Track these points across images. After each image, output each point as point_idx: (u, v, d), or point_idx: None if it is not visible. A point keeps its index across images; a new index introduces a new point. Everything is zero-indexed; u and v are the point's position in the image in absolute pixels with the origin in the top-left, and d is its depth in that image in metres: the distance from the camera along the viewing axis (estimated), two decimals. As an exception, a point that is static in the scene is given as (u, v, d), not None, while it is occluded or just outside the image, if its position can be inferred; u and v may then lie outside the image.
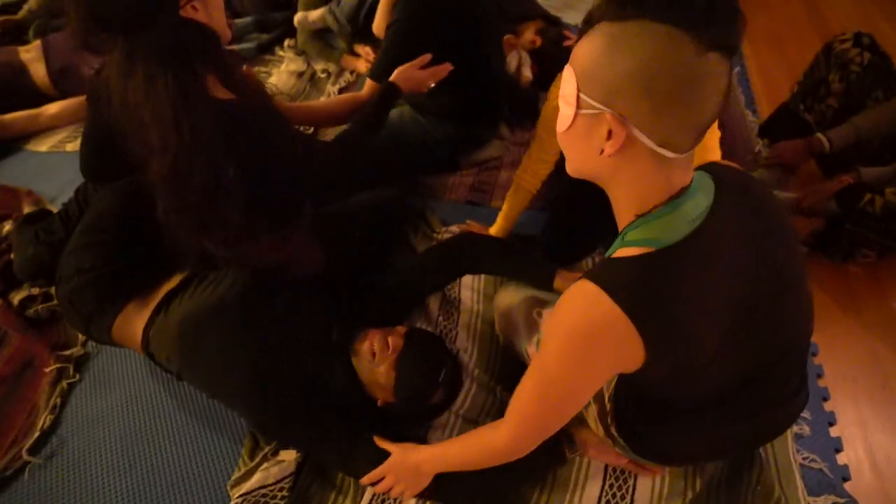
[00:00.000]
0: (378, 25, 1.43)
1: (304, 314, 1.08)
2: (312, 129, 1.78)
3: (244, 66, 1.05)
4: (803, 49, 1.54)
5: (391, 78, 1.26)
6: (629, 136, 0.58)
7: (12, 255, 1.39)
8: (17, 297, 1.35)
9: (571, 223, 1.35)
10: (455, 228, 1.49)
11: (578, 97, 0.61)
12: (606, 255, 0.67)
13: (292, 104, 1.61)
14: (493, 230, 1.38)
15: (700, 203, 0.63)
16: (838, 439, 1.10)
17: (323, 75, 2.11)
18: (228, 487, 1.06)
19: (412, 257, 1.41)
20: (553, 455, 1.02)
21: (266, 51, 2.25)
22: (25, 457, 1.10)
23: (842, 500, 1.02)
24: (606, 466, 1.04)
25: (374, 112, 1.24)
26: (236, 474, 1.07)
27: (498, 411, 1.13)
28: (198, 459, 1.10)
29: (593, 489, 1.02)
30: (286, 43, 2.26)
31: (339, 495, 1.05)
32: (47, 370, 1.24)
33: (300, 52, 2.19)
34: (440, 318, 1.29)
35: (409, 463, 0.93)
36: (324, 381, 1.02)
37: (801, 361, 0.82)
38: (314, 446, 1.03)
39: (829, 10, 2.31)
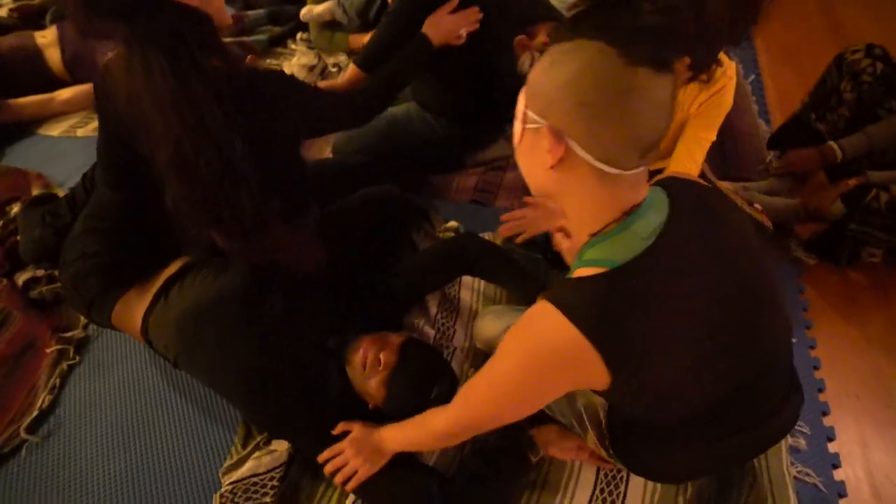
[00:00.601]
0: None
1: (304, 314, 1.07)
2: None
3: (249, 57, 1.04)
4: (820, 62, 1.53)
5: (422, 29, 1.21)
6: (568, 149, 0.60)
7: (19, 237, 1.40)
8: (21, 279, 1.36)
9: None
10: (453, 224, 1.49)
11: (525, 112, 0.64)
12: (567, 274, 0.68)
13: None
14: None
15: (652, 221, 0.63)
16: (836, 455, 1.08)
17: (334, 69, 2.11)
18: (220, 474, 1.06)
19: (413, 256, 1.41)
20: (518, 463, 1.00)
21: (278, 44, 2.26)
22: (23, 435, 1.12)
23: (834, 517, 1.00)
24: (598, 470, 1.03)
25: (399, 69, 1.19)
26: (228, 461, 1.08)
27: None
28: (191, 445, 1.11)
29: (583, 494, 1.02)
30: (299, 36, 2.27)
31: (328, 488, 1.05)
32: (48, 351, 1.25)
33: (312, 46, 2.20)
34: (439, 317, 1.29)
35: (372, 439, 0.95)
36: (320, 382, 1.02)
37: (784, 373, 0.81)
38: (304, 443, 1.02)
39: (849, 25, 2.28)
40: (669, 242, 0.62)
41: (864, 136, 1.37)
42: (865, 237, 1.28)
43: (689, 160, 1.17)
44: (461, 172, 1.65)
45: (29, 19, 2.25)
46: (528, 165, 0.68)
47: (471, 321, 1.30)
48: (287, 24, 2.30)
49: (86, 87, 1.97)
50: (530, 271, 1.28)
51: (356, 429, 0.97)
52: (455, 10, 1.26)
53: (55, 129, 1.92)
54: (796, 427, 1.11)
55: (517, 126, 0.66)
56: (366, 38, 1.95)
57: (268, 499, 1.02)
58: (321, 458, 0.97)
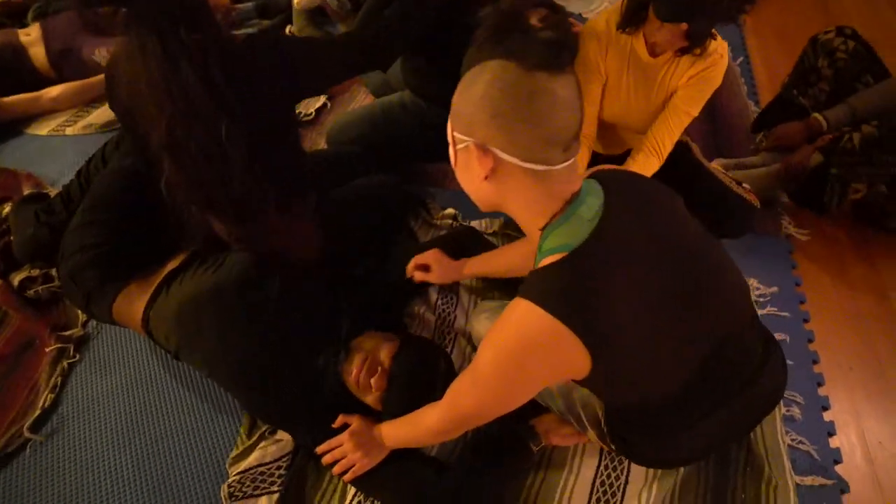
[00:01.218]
0: None
1: (302, 305, 1.07)
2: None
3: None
4: (804, 41, 1.56)
5: None
6: (496, 158, 0.66)
7: (12, 237, 1.39)
8: (17, 278, 1.35)
9: None
10: (451, 211, 1.50)
11: (453, 135, 0.70)
12: (534, 266, 0.70)
13: None
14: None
15: (592, 204, 0.68)
16: (832, 423, 1.11)
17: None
18: (227, 465, 1.07)
19: (413, 246, 1.42)
20: (519, 453, 1.02)
21: (267, 36, 2.25)
22: (27, 434, 1.12)
23: (829, 482, 1.03)
24: (602, 448, 1.05)
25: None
26: (234, 452, 1.08)
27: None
28: (197, 437, 1.12)
29: (588, 470, 1.03)
30: (287, 29, 2.25)
31: (333, 477, 1.05)
32: (48, 350, 1.24)
33: (300, 39, 2.19)
34: (439, 303, 1.29)
35: (372, 433, 0.96)
36: (318, 374, 1.02)
37: (753, 335, 0.83)
38: (303, 435, 1.03)
39: (837, 6, 2.30)
40: (612, 221, 0.67)
41: (846, 106, 1.40)
42: (850, 175, 1.32)
43: (665, 132, 1.19)
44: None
45: (12, 17, 2.21)
46: (468, 182, 0.73)
47: (471, 306, 1.31)
48: (276, 16, 2.28)
49: (73, 85, 1.95)
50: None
51: (356, 422, 0.97)
52: None
53: (44, 128, 1.89)
54: (790, 398, 1.14)
55: (451, 151, 0.72)
56: None
57: (275, 487, 1.03)
58: (319, 449, 0.98)
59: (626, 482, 1.02)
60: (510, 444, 1.01)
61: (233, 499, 1.02)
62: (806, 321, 1.28)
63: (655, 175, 1.23)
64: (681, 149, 1.38)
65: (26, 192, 1.56)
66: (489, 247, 1.34)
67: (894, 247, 1.41)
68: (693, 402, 0.80)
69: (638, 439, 0.88)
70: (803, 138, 1.45)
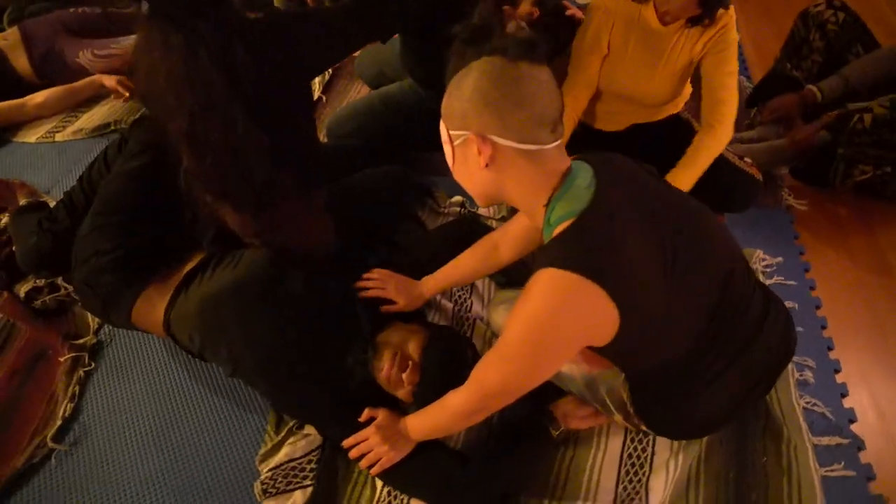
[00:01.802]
0: None
1: (323, 296, 1.07)
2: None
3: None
4: (792, 15, 1.60)
5: None
6: (494, 145, 0.71)
7: (14, 248, 1.36)
8: (22, 289, 1.33)
9: None
10: (458, 199, 1.50)
11: (449, 134, 0.75)
12: (545, 240, 0.74)
13: None
14: None
15: (585, 175, 0.74)
16: (844, 385, 1.15)
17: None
18: (256, 462, 1.07)
19: (422, 237, 1.42)
20: (540, 439, 1.03)
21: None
22: (50, 444, 1.10)
23: (845, 441, 1.07)
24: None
25: None
26: (263, 449, 1.08)
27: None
28: (224, 437, 1.11)
29: (615, 444, 1.06)
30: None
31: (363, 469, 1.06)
32: (62, 360, 1.23)
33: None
34: (454, 289, 1.30)
35: (398, 426, 0.96)
36: (343, 366, 1.02)
37: (747, 284, 0.86)
38: (330, 429, 1.03)
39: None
40: (605, 187, 0.72)
41: (840, 77, 1.44)
42: (857, 156, 1.35)
43: (715, 102, 1.19)
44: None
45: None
46: (468, 177, 0.78)
47: (485, 291, 1.32)
48: (262, 10, 2.23)
49: (59, 90, 1.90)
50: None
51: (382, 415, 0.97)
52: None
53: (31, 136, 1.85)
54: (802, 362, 1.17)
55: (447, 150, 0.77)
56: None
57: (308, 481, 1.04)
58: (346, 443, 0.98)
59: (653, 453, 1.05)
60: (531, 430, 1.03)
61: (267, 495, 1.02)
62: (812, 288, 1.32)
63: (661, 154, 1.24)
64: (683, 126, 1.41)
65: (22, 201, 1.52)
66: (490, 231, 1.33)
67: (891, 212, 1.45)
68: (709, 356, 0.82)
69: (663, 411, 0.90)
70: (799, 110, 1.48)
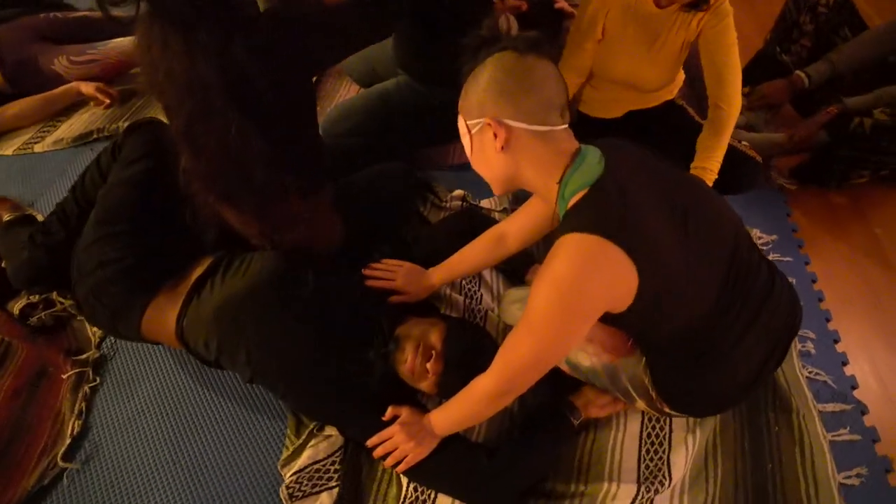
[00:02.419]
0: None
1: (337, 295, 1.06)
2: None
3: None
4: (775, 5, 1.64)
5: None
6: (508, 128, 0.77)
7: (4, 264, 1.31)
8: (16, 307, 1.28)
9: None
10: (459, 192, 1.51)
11: (466, 125, 0.81)
12: (560, 214, 0.79)
13: None
14: None
15: (594, 153, 0.78)
16: (844, 354, 1.20)
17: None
18: (279, 467, 1.06)
19: (425, 232, 1.42)
20: (561, 428, 1.04)
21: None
22: (61, 463, 1.07)
23: (849, 407, 1.12)
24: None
25: None
26: (285, 454, 1.07)
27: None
28: (242, 444, 1.10)
29: (634, 425, 1.08)
30: None
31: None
32: (65, 376, 1.19)
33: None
34: (463, 283, 1.31)
35: (422, 422, 0.96)
36: (363, 364, 1.02)
37: (752, 251, 0.90)
38: (353, 429, 1.03)
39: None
40: (614, 162, 0.77)
41: (827, 62, 1.48)
42: (857, 161, 1.39)
43: (727, 70, 1.20)
44: (455, 142, 1.66)
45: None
46: (485, 162, 0.82)
47: (493, 283, 1.33)
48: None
49: (35, 99, 1.83)
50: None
51: (405, 413, 0.97)
52: None
53: (8, 148, 1.77)
54: (804, 335, 1.22)
55: (466, 141, 0.83)
56: None
57: (333, 482, 1.03)
58: (370, 442, 0.97)
59: (671, 431, 1.07)
60: (552, 420, 1.04)
61: (294, 499, 1.01)
62: (807, 264, 1.37)
63: (657, 141, 1.26)
64: (678, 112, 1.44)
65: (6, 216, 1.46)
66: (493, 224, 1.35)
67: (877, 189, 1.51)
68: (726, 320, 0.85)
69: (685, 385, 0.92)
70: (788, 96, 1.52)
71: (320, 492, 1.02)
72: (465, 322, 1.13)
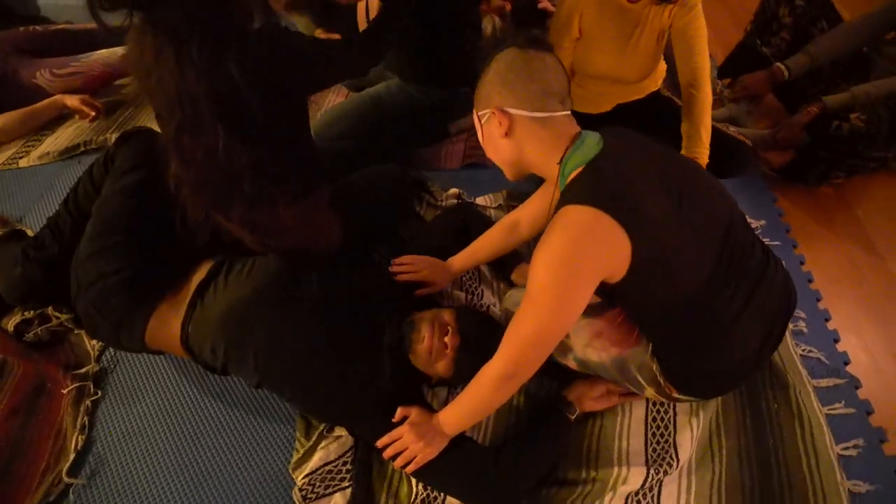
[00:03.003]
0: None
1: (341, 293, 1.07)
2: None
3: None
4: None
5: None
6: (511, 116, 0.84)
7: (-6, 281, 1.28)
8: (10, 323, 1.25)
9: None
10: (454, 191, 1.52)
11: (477, 116, 0.90)
12: (560, 189, 0.84)
13: None
14: None
15: (593, 136, 0.84)
16: (835, 331, 1.24)
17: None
18: (290, 470, 1.05)
19: (421, 229, 1.43)
20: (558, 424, 1.05)
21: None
22: (66, 479, 1.05)
23: (842, 381, 1.16)
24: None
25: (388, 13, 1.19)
26: (295, 457, 1.07)
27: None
28: (251, 450, 1.09)
29: (639, 410, 1.11)
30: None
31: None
32: (65, 391, 1.17)
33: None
34: (464, 279, 1.32)
35: (431, 422, 0.96)
36: (372, 363, 1.02)
37: (745, 229, 0.94)
38: (362, 429, 1.03)
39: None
40: (611, 144, 0.83)
41: (805, 54, 1.53)
42: (835, 162, 1.47)
43: (697, 57, 1.24)
44: (447, 141, 1.67)
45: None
46: (494, 148, 0.90)
47: (493, 280, 1.34)
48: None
49: (17, 114, 1.80)
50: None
51: (415, 413, 0.97)
52: None
53: (-8, 164, 1.74)
54: (796, 315, 1.26)
55: (479, 132, 0.92)
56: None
57: (346, 483, 1.03)
58: (380, 443, 0.97)
59: (675, 414, 1.10)
60: (550, 418, 1.05)
61: (307, 501, 1.00)
62: (795, 247, 1.41)
63: (646, 132, 1.29)
64: (664, 103, 1.47)
65: (-4, 231, 1.43)
66: (485, 219, 1.37)
67: (854, 172, 1.56)
68: (724, 295, 0.87)
69: (691, 364, 0.94)
70: (768, 87, 1.57)
71: (334, 492, 1.02)
72: (470, 307, 1.14)
